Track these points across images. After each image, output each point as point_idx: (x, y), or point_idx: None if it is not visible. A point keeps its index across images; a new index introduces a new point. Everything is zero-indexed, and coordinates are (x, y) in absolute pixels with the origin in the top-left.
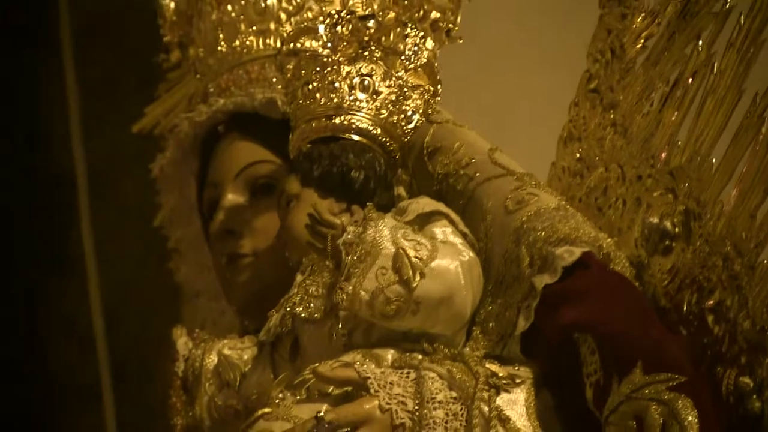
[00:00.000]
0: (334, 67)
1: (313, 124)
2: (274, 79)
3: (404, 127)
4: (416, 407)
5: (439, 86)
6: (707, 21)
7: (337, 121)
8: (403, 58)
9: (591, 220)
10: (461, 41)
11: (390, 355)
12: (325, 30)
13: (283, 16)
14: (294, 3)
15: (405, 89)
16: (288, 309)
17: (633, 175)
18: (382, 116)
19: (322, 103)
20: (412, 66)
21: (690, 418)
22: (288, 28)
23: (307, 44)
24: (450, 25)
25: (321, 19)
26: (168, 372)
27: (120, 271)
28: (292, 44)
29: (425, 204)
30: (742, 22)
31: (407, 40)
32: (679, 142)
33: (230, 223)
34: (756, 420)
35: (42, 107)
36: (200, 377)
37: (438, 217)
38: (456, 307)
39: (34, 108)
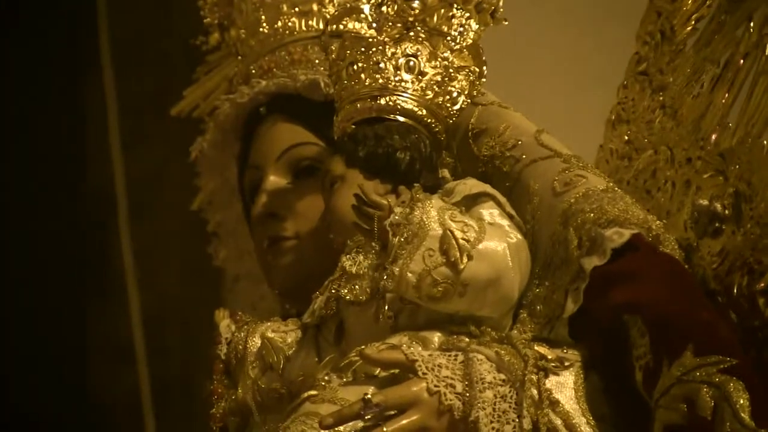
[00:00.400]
0: (380, 47)
1: (358, 105)
2: (317, 61)
3: (449, 109)
4: (465, 389)
5: (484, 68)
6: (758, 2)
7: (383, 101)
8: (448, 39)
9: (639, 202)
10: (506, 23)
11: (437, 337)
12: (371, 10)
13: None
14: None
15: (450, 70)
16: (333, 291)
17: (683, 157)
18: (427, 97)
19: (367, 83)
20: (457, 47)
21: (741, 401)
22: (330, 9)
23: (350, 25)
24: (494, 7)
25: (364, 0)
26: (210, 355)
27: (160, 289)
28: (336, 25)
29: (472, 185)
30: None
31: (453, 20)
32: (730, 124)
33: (273, 206)
34: None
35: (82, 127)
36: (244, 360)
37: (485, 198)
38: (503, 290)
39: (75, 128)
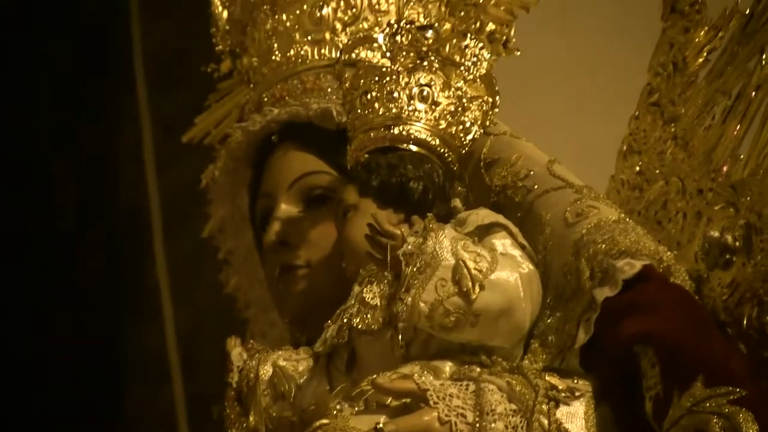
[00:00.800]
0: (393, 76)
1: (372, 134)
2: (329, 90)
3: (462, 139)
4: (476, 419)
5: (497, 98)
6: None
7: (396, 131)
8: (462, 68)
9: (650, 233)
10: (519, 53)
11: (448, 367)
12: (385, 39)
13: (338, 26)
14: (350, 13)
15: (464, 100)
16: (345, 320)
17: (694, 188)
18: (440, 127)
19: (380, 113)
20: (471, 77)
21: None
22: (343, 38)
23: (363, 54)
24: (506, 37)
25: (377, 29)
26: (222, 383)
27: (195, 306)
28: (350, 53)
29: (485, 215)
30: None
31: (466, 50)
32: (741, 156)
33: (284, 234)
34: None
35: (117, 145)
36: (255, 388)
37: (497, 228)
38: (515, 320)
39: (109, 146)
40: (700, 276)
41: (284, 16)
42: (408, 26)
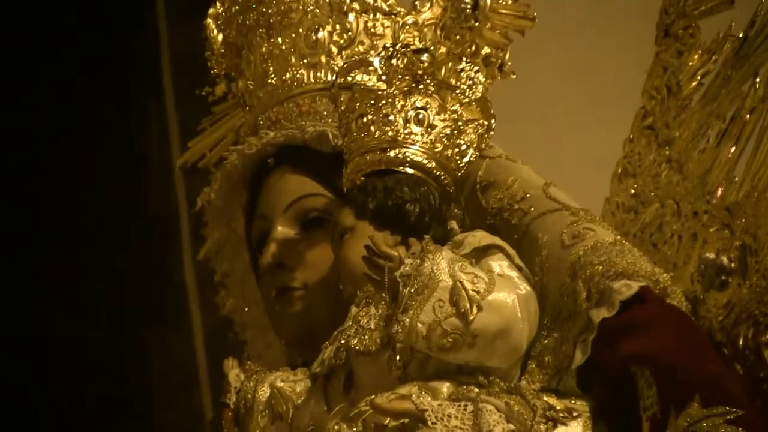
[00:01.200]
0: (389, 100)
1: (368, 157)
2: (325, 113)
3: (458, 161)
4: None
5: (492, 120)
6: (764, 58)
7: (392, 154)
8: (458, 92)
9: (646, 255)
10: (514, 76)
11: (446, 387)
12: (380, 63)
13: (334, 49)
14: (345, 36)
15: (460, 123)
16: (342, 341)
17: (689, 210)
18: (436, 150)
19: (376, 135)
20: (466, 100)
21: None
22: (339, 61)
23: (359, 77)
24: (500, 60)
25: (373, 52)
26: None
27: (224, 315)
28: (345, 77)
29: (481, 237)
30: None
31: (462, 74)
32: (736, 178)
33: (281, 256)
34: None
35: (145, 154)
36: (253, 409)
37: (494, 250)
38: (512, 341)
39: (137, 155)
40: (696, 297)
41: (280, 40)
42: (404, 50)
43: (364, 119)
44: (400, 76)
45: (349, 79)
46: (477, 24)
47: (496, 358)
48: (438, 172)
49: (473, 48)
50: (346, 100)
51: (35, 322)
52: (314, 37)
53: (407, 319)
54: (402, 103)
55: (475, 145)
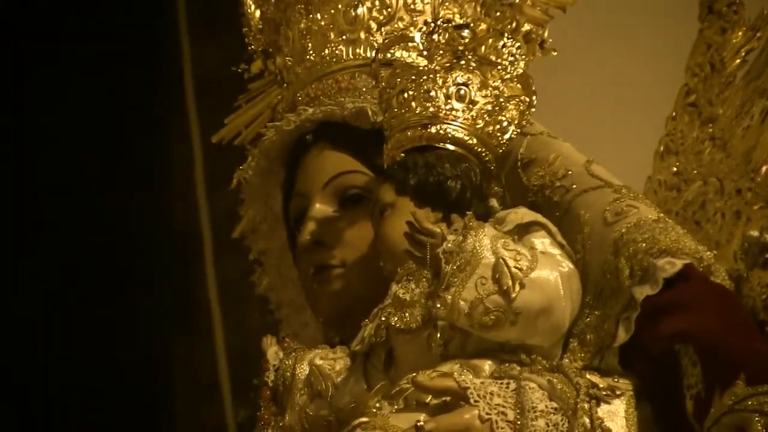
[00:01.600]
0: (430, 75)
1: (408, 133)
2: (364, 89)
3: (499, 138)
4: (517, 417)
5: (534, 97)
6: None
7: (433, 130)
8: (499, 68)
9: (689, 233)
10: (555, 53)
11: (487, 365)
12: (421, 38)
13: (373, 25)
14: (385, 12)
15: (501, 99)
16: (383, 319)
17: (732, 188)
18: (478, 126)
19: (417, 111)
20: (508, 76)
21: None
22: (378, 37)
23: (398, 54)
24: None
25: (412, 28)
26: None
27: (246, 326)
28: (386, 53)
29: (524, 214)
30: None
31: (503, 50)
32: None
33: (319, 234)
34: None
35: (168, 167)
36: (292, 387)
37: (537, 227)
38: (555, 318)
39: (160, 168)
40: (739, 275)
41: (318, 16)
42: (445, 25)
43: (405, 95)
44: (441, 52)
45: (389, 55)
46: (518, 0)
47: (538, 336)
48: (479, 149)
49: (513, 24)
50: (387, 76)
51: (58, 337)
52: (353, 13)
53: (449, 296)
54: (443, 78)
55: (516, 122)
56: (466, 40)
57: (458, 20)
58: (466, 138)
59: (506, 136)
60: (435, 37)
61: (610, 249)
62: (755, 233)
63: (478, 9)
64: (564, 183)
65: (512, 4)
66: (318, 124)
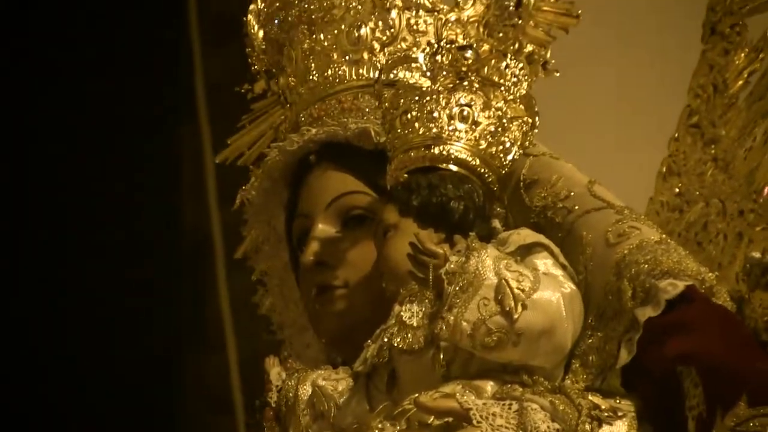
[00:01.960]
0: (434, 96)
1: (412, 154)
2: (367, 110)
3: (502, 159)
4: None
5: (537, 118)
6: None
7: (436, 151)
8: (502, 89)
9: (691, 254)
10: (558, 74)
11: (489, 386)
12: (425, 59)
13: (376, 45)
14: (388, 33)
15: (504, 120)
16: (385, 340)
17: (734, 209)
18: (481, 147)
19: (420, 132)
20: (511, 97)
21: None
22: (381, 58)
23: (401, 75)
24: (544, 59)
25: (415, 49)
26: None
27: (258, 338)
28: (389, 73)
29: (526, 235)
30: None
31: (506, 71)
32: None
33: (322, 255)
34: None
35: (179, 176)
36: (294, 408)
37: (539, 248)
38: (557, 340)
39: (172, 177)
40: (741, 297)
41: (322, 36)
42: (448, 46)
43: (408, 116)
44: (444, 73)
45: (392, 75)
46: (520, 21)
47: (541, 357)
48: (482, 170)
49: (516, 45)
50: (390, 97)
51: (70, 344)
52: (356, 34)
53: (452, 317)
54: (446, 99)
55: (519, 143)
56: (469, 61)
57: (461, 41)
58: (469, 159)
59: (509, 157)
60: (438, 57)
61: (612, 270)
62: (757, 255)
63: (481, 30)
64: (566, 204)
65: (515, 25)
66: (321, 145)
